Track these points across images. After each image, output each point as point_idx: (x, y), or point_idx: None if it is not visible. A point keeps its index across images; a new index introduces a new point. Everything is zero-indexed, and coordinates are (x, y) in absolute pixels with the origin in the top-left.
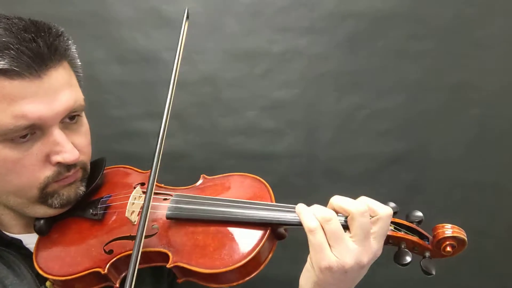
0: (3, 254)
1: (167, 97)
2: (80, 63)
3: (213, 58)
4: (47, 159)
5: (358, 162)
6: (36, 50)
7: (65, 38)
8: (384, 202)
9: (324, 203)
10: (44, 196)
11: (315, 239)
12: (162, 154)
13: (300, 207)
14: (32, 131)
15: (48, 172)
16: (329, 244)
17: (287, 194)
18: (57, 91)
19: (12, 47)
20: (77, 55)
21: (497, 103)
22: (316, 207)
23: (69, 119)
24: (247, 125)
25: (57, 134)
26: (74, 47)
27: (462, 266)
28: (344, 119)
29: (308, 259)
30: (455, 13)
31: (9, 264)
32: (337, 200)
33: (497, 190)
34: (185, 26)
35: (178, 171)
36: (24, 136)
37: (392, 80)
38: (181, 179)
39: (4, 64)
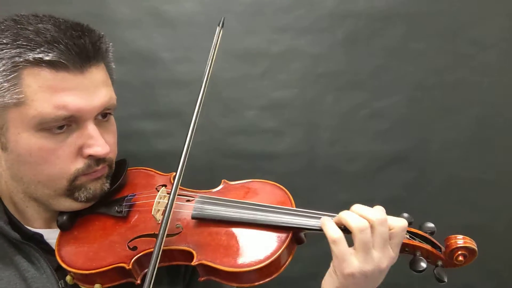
0: (25, 248)
1: (197, 100)
2: (114, 67)
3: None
4: (79, 151)
5: (358, 161)
6: (83, 46)
7: (106, 41)
8: (385, 202)
9: (324, 202)
10: (72, 188)
11: (338, 249)
12: (161, 153)
13: (324, 219)
14: (69, 123)
15: (79, 164)
16: (355, 250)
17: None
18: (96, 87)
19: (61, 41)
20: (113, 59)
21: (497, 102)
22: (349, 215)
23: (102, 116)
24: (247, 125)
25: (92, 128)
26: (112, 52)
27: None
28: (344, 119)
29: (332, 266)
30: (455, 12)
31: (29, 258)
32: (359, 209)
33: (497, 189)
34: (219, 35)
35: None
36: (61, 127)
37: (391, 79)
38: (181, 179)
39: (52, 56)
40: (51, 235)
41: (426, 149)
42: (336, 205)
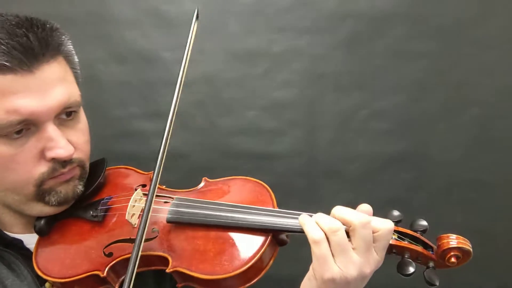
0: (4, 255)
1: (172, 99)
2: (77, 60)
3: (213, 58)
4: (41, 155)
5: (358, 162)
6: (27, 44)
7: (59, 34)
8: (385, 202)
9: (324, 203)
10: (40, 193)
11: (320, 250)
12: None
13: (304, 217)
14: (27, 127)
15: (43, 168)
16: (332, 254)
17: (287, 194)
18: (50, 86)
19: (2, 42)
20: (74, 52)
21: (497, 103)
22: (321, 217)
23: (66, 115)
24: (247, 125)
25: (51, 130)
26: (70, 43)
27: (461, 265)
28: (344, 119)
29: (311, 269)
30: (455, 12)
31: (9, 265)
32: (339, 211)
33: (497, 190)
34: (194, 27)
35: (178, 171)
36: (19, 132)
37: (392, 80)
38: (181, 179)
39: None
40: (31, 240)
41: (427, 150)
42: (336, 205)
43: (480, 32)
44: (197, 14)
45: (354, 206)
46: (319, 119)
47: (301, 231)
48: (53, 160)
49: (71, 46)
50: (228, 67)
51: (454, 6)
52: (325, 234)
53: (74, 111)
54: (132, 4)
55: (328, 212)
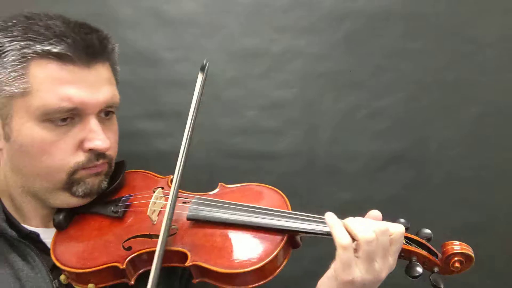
0: (20, 246)
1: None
2: (119, 69)
3: (213, 58)
4: (80, 145)
5: (357, 161)
6: (90, 42)
7: (112, 41)
8: (384, 201)
9: (324, 202)
10: (70, 182)
11: (345, 255)
12: (161, 154)
13: (332, 220)
14: (72, 117)
15: (79, 157)
16: (357, 259)
17: (287, 194)
18: (100, 83)
19: (69, 36)
20: (118, 62)
21: (496, 101)
22: (354, 224)
23: (104, 114)
24: (246, 125)
25: (93, 122)
26: (118, 53)
27: None
28: (344, 118)
29: (332, 269)
30: (454, 11)
31: (24, 256)
32: (362, 220)
33: (496, 188)
34: (203, 80)
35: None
36: (64, 120)
37: (391, 79)
38: (180, 179)
39: (60, 49)
40: (47, 235)
41: (426, 148)
42: (336, 205)
43: (478, 31)
44: (204, 67)
45: (354, 205)
46: (319, 119)
47: (315, 233)
48: (90, 151)
49: (117, 56)
50: (228, 67)
51: (452, 4)
52: (357, 242)
53: (112, 112)
54: (132, 4)
55: (328, 210)
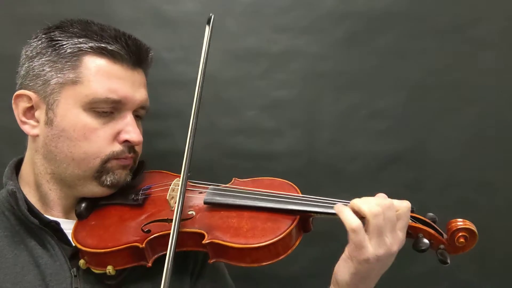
0: (40, 234)
1: (194, 94)
2: (146, 82)
3: (213, 58)
4: (116, 137)
5: (357, 161)
6: (140, 47)
7: (152, 54)
8: None
9: None
10: (101, 170)
11: (357, 237)
12: (161, 153)
13: (340, 206)
14: (113, 110)
15: (115, 147)
16: (369, 236)
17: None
18: (140, 85)
19: (123, 38)
20: (148, 74)
21: (496, 102)
22: (362, 201)
23: (136, 117)
24: (246, 125)
25: (131, 117)
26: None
27: (461, 265)
28: (344, 119)
29: (346, 252)
30: (454, 12)
31: (44, 244)
32: (367, 198)
33: (496, 189)
34: (210, 33)
35: (178, 171)
36: (105, 112)
37: (391, 79)
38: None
39: (115, 47)
40: (68, 225)
41: (426, 149)
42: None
43: (479, 32)
44: (209, 21)
45: None
46: (319, 119)
47: (326, 213)
48: (125, 142)
49: (149, 69)
50: (228, 67)
51: (453, 5)
52: (366, 218)
53: (141, 117)
54: (132, 4)
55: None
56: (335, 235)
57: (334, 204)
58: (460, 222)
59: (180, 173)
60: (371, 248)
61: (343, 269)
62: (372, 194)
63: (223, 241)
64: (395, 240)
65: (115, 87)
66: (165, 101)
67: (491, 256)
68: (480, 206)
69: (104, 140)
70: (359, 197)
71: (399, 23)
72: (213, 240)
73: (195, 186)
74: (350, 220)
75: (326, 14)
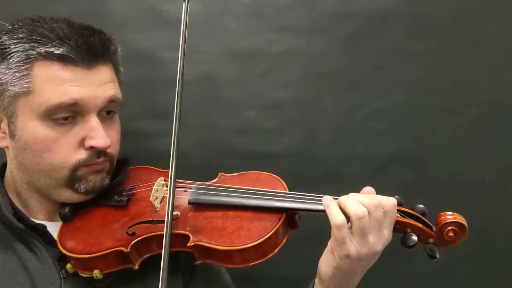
0: (27, 238)
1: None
2: (122, 70)
3: (212, 58)
4: (81, 143)
5: (357, 161)
6: (92, 45)
7: (115, 43)
8: None
9: None
10: (72, 179)
11: (340, 233)
12: (161, 153)
13: (328, 200)
14: (73, 115)
15: (80, 155)
16: (351, 235)
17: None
18: (101, 83)
19: (72, 38)
20: (121, 63)
21: (496, 103)
22: (348, 201)
23: (106, 113)
24: (246, 125)
25: (94, 121)
26: (120, 54)
27: (462, 265)
28: (344, 119)
29: (329, 246)
30: (455, 12)
31: (31, 248)
32: (356, 196)
33: (497, 189)
34: (186, 10)
35: (177, 171)
36: (66, 119)
37: (391, 79)
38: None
39: (63, 51)
40: (54, 228)
41: (426, 150)
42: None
43: (479, 32)
44: None
45: None
46: (319, 119)
47: (312, 211)
48: (91, 149)
49: (120, 56)
50: (228, 67)
51: (453, 5)
52: (352, 218)
53: (113, 112)
54: (132, 4)
55: None
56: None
57: (321, 200)
58: (449, 216)
59: (167, 169)
60: (353, 247)
61: (325, 262)
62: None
63: (208, 243)
64: (380, 239)
65: (68, 91)
66: (165, 101)
67: (491, 256)
68: (480, 206)
69: (67, 149)
70: None
71: (399, 23)
72: (198, 243)
73: (180, 184)
74: (335, 217)
75: (326, 14)
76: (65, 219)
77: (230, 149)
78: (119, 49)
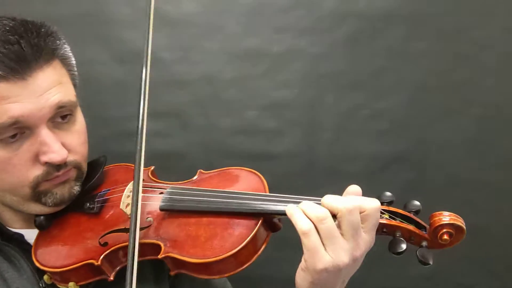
0: (4, 249)
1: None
2: (74, 62)
3: (213, 58)
4: (36, 158)
5: (358, 161)
6: (20, 52)
7: (53, 38)
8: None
9: None
10: (37, 194)
11: (309, 241)
12: (161, 154)
13: (291, 208)
14: (21, 131)
15: (37, 171)
16: (322, 243)
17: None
18: (43, 90)
19: None
20: (70, 54)
21: (497, 103)
22: (307, 205)
23: (61, 118)
24: (247, 125)
25: (44, 134)
26: (67, 46)
27: (462, 265)
28: (344, 119)
29: (303, 260)
30: (455, 13)
31: (9, 258)
32: (326, 199)
33: (497, 189)
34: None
35: (177, 171)
36: (13, 136)
37: (392, 80)
38: (180, 179)
39: None
40: (32, 235)
41: (426, 150)
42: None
43: (480, 32)
44: None
45: None
46: (319, 119)
47: (285, 214)
48: (47, 163)
49: (68, 49)
50: (228, 67)
51: (453, 6)
52: (313, 223)
53: (69, 114)
54: (131, 4)
55: None
56: None
57: (298, 201)
58: (445, 217)
59: (148, 168)
60: (328, 256)
61: (301, 281)
62: (372, 194)
63: (179, 255)
64: (358, 245)
65: (5, 109)
66: (165, 101)
67: (491, 257)
68: (480, 206)
69: (21, 168)
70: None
71: (400, 24)
72: (169, 255)
73: (154, 186)
74: (300, 224)
75: (327, 14)
76: (40, 226)
77: (230, 149)
78: (61, 42)
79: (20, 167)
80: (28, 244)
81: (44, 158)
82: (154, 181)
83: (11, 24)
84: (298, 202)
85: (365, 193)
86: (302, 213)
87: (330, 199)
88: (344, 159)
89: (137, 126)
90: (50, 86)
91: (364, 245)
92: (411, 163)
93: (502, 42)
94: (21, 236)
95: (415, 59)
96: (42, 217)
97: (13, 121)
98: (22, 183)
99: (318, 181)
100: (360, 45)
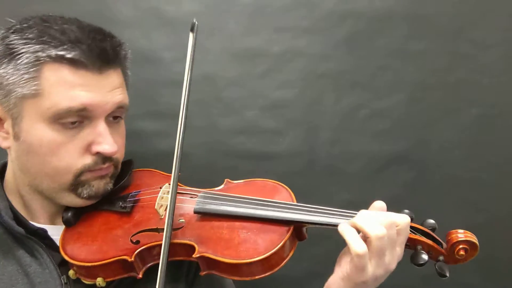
0: (28, 242)
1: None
2: (130, 74)
3: (213, 58)
4: (88, 148)
5: (358, 161)
6: (104, 49)
7: (125, 48)
8: (386, 203)
9: (324, 203)
10: (76, 183)
11: (361, 262)
12: (161, 154)
13: (345, 227)
14: (81, 120)
15: (86, 160)
16: (370, 259)
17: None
18: (112, 87)
19: (84, 42)
20: (129, 67)
21: (497, 103)
22: (365, 222)
23: (113, 118)
24: (247, 125)
25: (102, 126)
26: (130, 59)
27: (462, 265)
28: (344, 119)
29: (345, 272)
30: (455, 12)
31: (32, 253)
32: (372, 215)
33: (497, 189)
34: (194, 39)
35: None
36: (73, 123)
37: (392, 79)
38: (181, 179)
39: (74, 55)
40: (55, 232)
41: (426, 149)
42: (336, 205)
43: (480, 32)
44: (192, 27)
45: (354, 205)
46: (319, 119)
47: (321, 224)
48: (98, 154)
49: (130, 61)
50: (228, 67)
51: (453, 5)
52: (370, 239)
53: (120, 117)
54: (132, 4)
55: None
56: (332, 235)
57: (329, 212)
58: (461, 235)
59: (170, 173)
60: (371, 270)
61: (337, 287)
62: (372, 194)
63: (214, 255)
64: (393, 258)
65: (78, 96)
66: (165, 101)
67: (491, 257)
68: (480, 206)
69: (74, 154)
70: (360, 197)
71: (400, 23)
72: (203, 254)
73: (186, 190)
74: (357, 246)
75: (327, 14)
76: (68, 223)
77: (230, 149)
78: (128, 54)
79: (72, 153)
80: (51, 240)
81: (98, 148)
82: (183, 187)
83: (93, 27)
84: (331, 214)
85: (365, 193)
86: (357, 235)
87: (375, 215)
88: (344, 159)
89: (177, 138)
90: (117, 86)
91: (397, 259)
92: (411, 163)
93: (502, 42)
94: (45, 231)
95: (415, 59)
96: (70, 214)
97: (82, 107)
98: (68, 169)
99: (319, 181)
100: (360, 45)
